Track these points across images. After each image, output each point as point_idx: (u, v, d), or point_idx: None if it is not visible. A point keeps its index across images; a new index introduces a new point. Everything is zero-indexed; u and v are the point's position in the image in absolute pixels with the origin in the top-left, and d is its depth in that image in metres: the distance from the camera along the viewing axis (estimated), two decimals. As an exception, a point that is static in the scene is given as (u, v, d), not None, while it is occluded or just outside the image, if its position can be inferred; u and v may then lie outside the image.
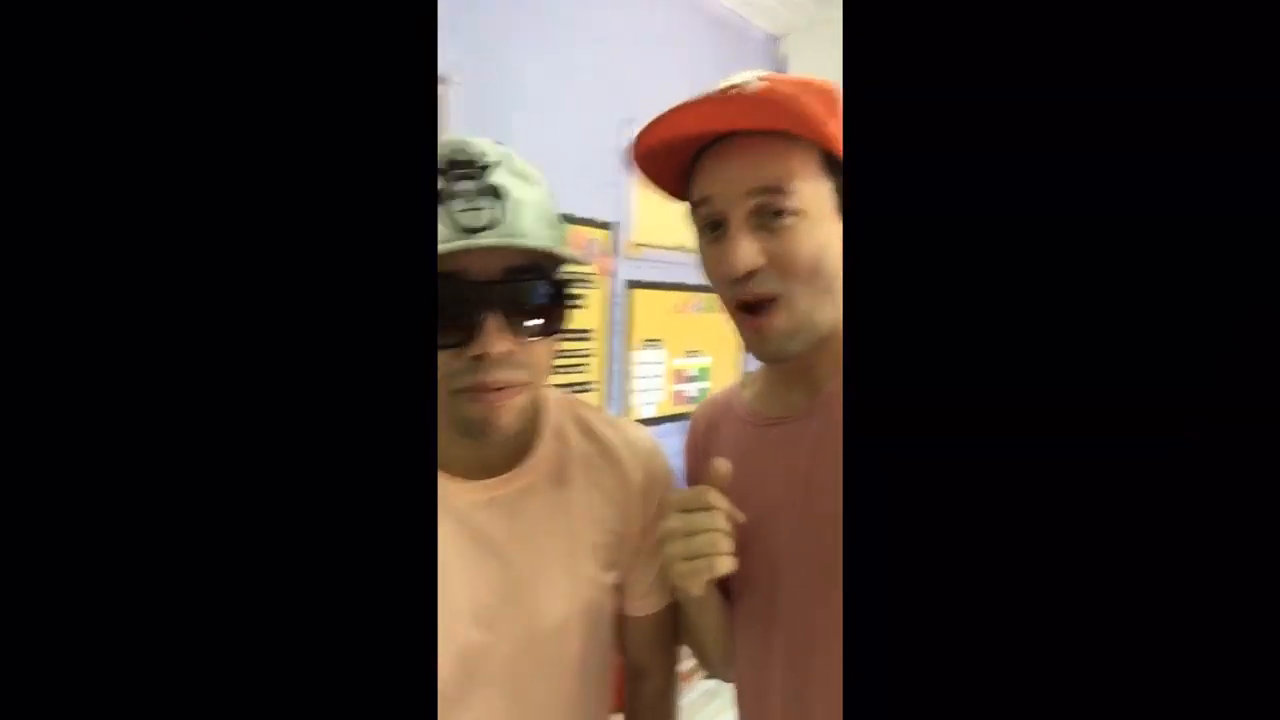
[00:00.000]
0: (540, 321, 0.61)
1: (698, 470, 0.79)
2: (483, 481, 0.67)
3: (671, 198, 0.73)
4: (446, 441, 0.63)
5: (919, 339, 0.38)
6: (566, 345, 1.97)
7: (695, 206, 0.68)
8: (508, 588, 0.67)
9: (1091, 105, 0.35)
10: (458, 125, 1.65)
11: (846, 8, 0.38)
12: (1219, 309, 0.35)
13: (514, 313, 0.58)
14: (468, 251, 0.55)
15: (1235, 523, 0.34)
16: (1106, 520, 0.35)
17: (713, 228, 0.66)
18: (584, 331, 2.11)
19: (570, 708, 0.72)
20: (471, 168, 0.58)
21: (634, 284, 2.24)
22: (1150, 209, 0.35)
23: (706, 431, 0.83)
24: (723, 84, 0.65)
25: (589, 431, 0.75)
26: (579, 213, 2.05)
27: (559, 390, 0.78)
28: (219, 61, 0.36)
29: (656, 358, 2.34)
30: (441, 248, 0.54)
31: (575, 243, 2.05)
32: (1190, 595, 0.35)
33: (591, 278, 2.12)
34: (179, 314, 0.36)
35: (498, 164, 0.59)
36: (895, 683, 0.37)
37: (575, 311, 0.65)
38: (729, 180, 0.64)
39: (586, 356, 2.13)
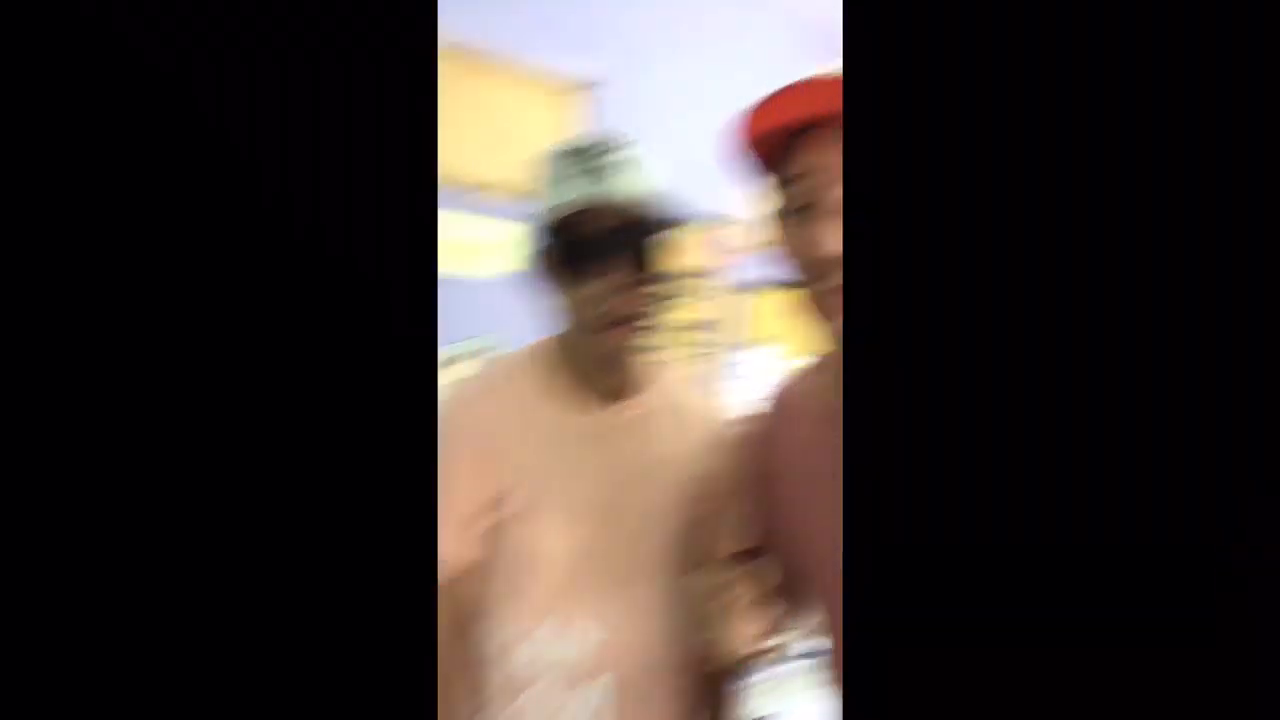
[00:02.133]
0: (649, 270, 0.78)
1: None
2: (596, 413, 0.85)
3: (763, 171, 0.73)
4: (576, 377, 0.83)
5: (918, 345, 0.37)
6: (687, 336, 2.12)
7: (785, 184, 0.68)
8: (613, 492, 0.83)
9: (1089, 106, 0.34)
10: (609, 122, 1.86)
11: (846, 8, 0.38)
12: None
13: (627, 261, 0.76)
14: (591, 210, 0.74)
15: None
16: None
17: (802, 209, 0.66)
18: (707, 323, 2.19)
19: (661, 599, 0.85)
20: (602, 150, 0.78)
21: (761, 282, 2.25)
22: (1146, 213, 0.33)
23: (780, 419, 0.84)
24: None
25: (687, 391, 0.93)
26: (709, 209, 2.06)
27: (670, 365, 0.96)
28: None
29: (773, 355, 2.34)
30: (572, 206, 0.75)
31: (704, 239, 2.16)
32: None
33: (718, 273, 2.18)
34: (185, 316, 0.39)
35: (618, 148, 0.79)
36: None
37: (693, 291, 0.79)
38: (826, 166, 0.64)
39: (709, 349, 2.20)
